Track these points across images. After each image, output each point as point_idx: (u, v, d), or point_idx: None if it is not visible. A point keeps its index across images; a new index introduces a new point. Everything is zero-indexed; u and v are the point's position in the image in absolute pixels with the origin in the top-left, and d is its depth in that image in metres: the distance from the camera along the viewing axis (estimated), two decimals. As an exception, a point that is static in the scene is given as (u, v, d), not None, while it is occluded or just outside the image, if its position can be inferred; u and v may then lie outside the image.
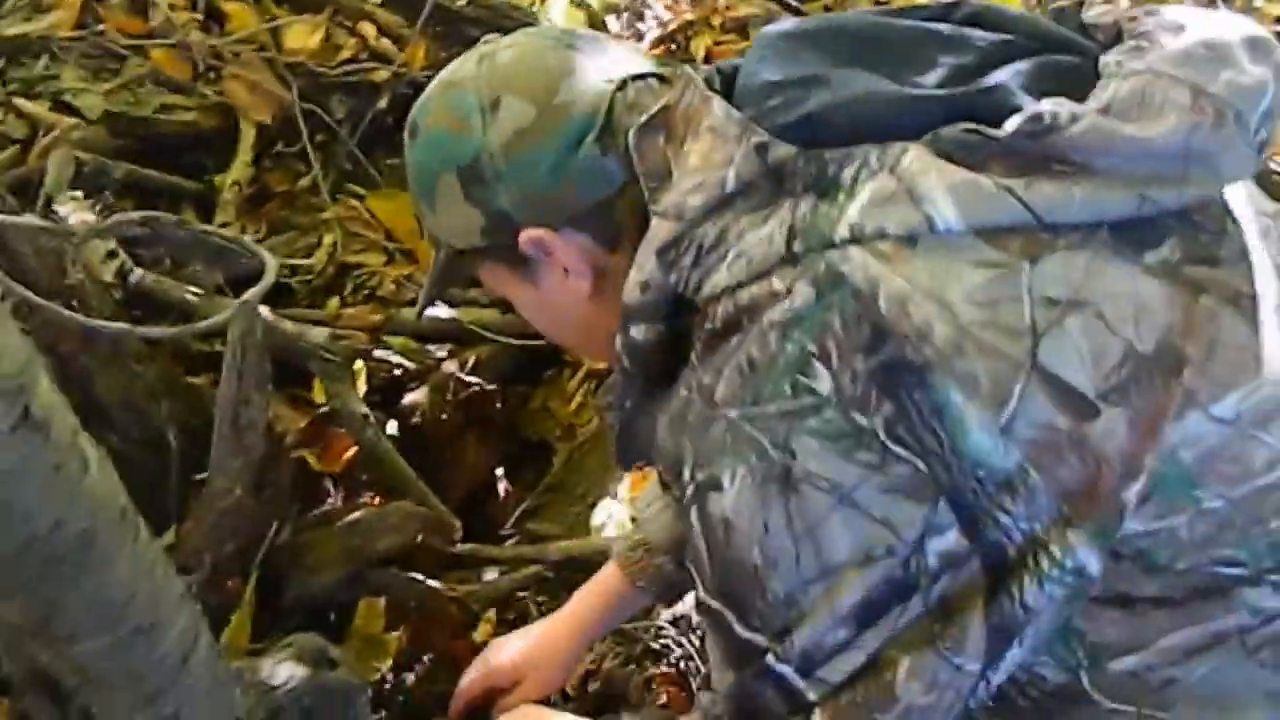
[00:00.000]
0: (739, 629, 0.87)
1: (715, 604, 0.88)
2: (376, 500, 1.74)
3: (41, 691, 1.33)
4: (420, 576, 1.63)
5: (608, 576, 1.34)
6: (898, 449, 0.79)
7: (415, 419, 1.85)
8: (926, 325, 0.79)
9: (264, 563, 1.54)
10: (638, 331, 0.91)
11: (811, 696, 0.86)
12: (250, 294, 1.44)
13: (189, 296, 1.74)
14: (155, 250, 1.74)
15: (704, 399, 0.85)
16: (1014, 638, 0.83)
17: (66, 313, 1.13)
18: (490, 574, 1.73)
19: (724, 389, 0.84)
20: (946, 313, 0.79)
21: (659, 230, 0.88)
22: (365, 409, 1.72)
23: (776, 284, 0.82)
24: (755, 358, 0.82)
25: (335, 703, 1.25)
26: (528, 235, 0.94)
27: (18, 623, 0.72)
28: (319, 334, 1.73)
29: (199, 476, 1.54)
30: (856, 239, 0.81)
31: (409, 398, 1.88)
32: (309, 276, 2.07)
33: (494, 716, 1.32)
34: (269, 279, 1.30)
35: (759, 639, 0.86)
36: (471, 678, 1.35)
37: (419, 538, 1.62)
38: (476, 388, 1.88)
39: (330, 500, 1.75)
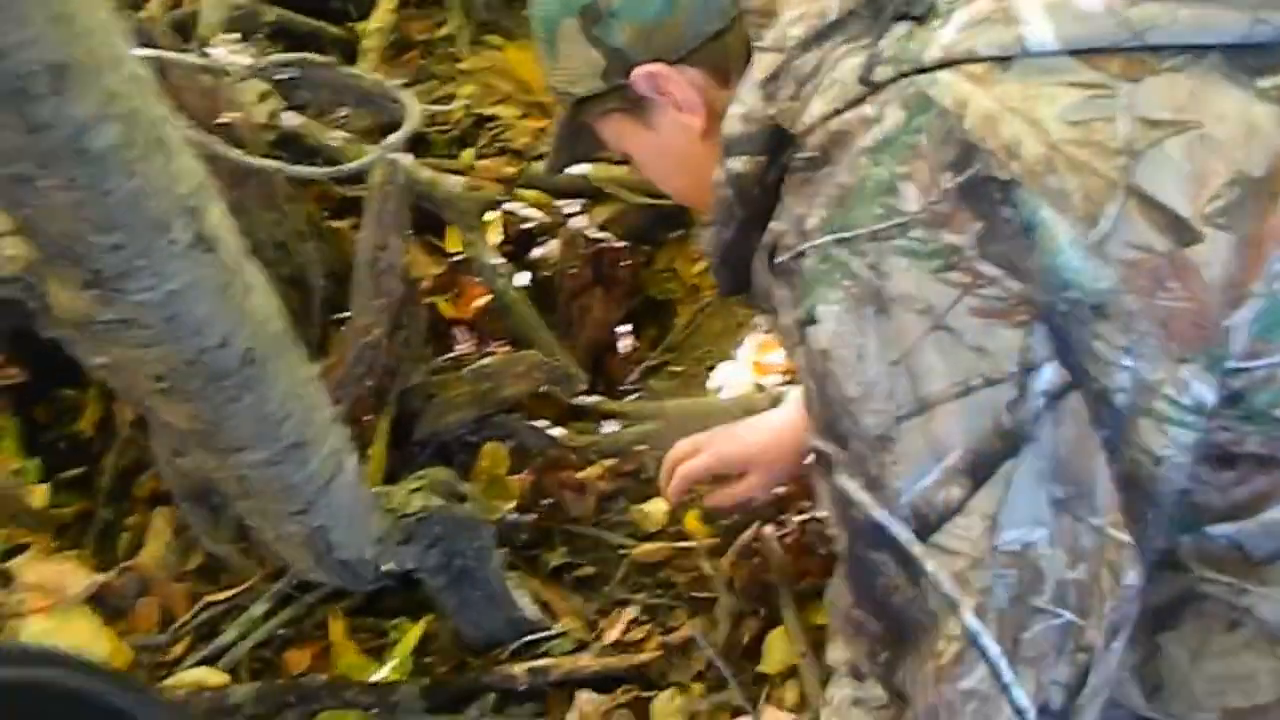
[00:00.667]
0: (843, 480, 0.81)
1: (819, 444, 0.84)
2: (504, 349, 1.79)
3: (198, 502, 1.44)
4: (543, 424, 1.68)
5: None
6: (989, 268, 0.78)
7: (545, 271, 1.88)
8: (1015, 142, 0.77)
9: (397, 401, 1.62)
10: (736, 163, 0.91)
11: (949, 589, 0.77)
12: (393, 138, 1.48)
13: (334, 141, 1.78)
14: (303, 95, 1.77)
15: (796, 230, 0.84)
16: (1151, 494, 0.80)
17: (224, 148, 1.17)
18: (609, 427, 1.77)
19: (815, 218, 0.83)
20: (1037, 130, 0.78)
21: (761, 62, 0.89)
22: (498, 258, 1.75)
23: (868, 110, 0.81)
24: (845, 183, 0.81)
25: (463, 533, 1.32)
26: (643, 70, 0.95)
27: (190, 430, 0.78)
28: (455, 183, 1.75)
29: (339, 316, 1.60)
30: (948, 62, 0.79)
31: (539, 250, 1.90)
32: (445, 126, 2.09)
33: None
34: (413, 123, 1.32)
35: (862, 493, 0.80)
36: (697, 464, 1.33)
37: (543, 387, 1.67)
38: (605, 244, 1.89)
39: (460, 347, 1.81)
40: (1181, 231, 0.77)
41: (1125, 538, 0.79)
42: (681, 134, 0.99)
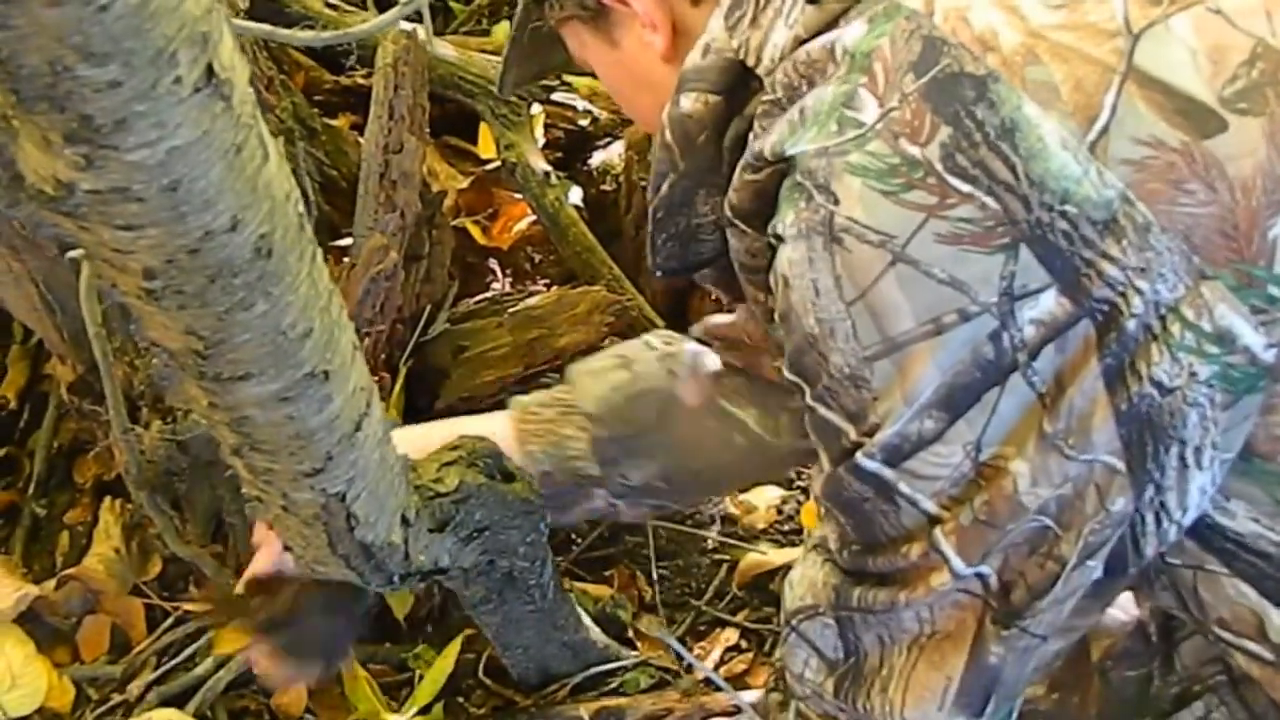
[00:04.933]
0: (819, 409, 0.94)
1: (791, 376, 0.96)
2: (551, 289, 1.82)
3: (159, 491, 1.49)
4: (608, 386, 1.71)
5: (492, 430, 1.39)
6: (958, 182, 0.84)
7: (605, 186, 1.90)
8: (990, 32, 0.84)
9: (416, 355, 1.65)
10: (687, 100, 1.02)
11: (927, 505, 0.92)
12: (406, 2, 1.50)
13: (326, 9, 1.81)
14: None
15: (753, 156, 0.94)
16: (1161, 433, 0.86)
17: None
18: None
19: (772, 139, 0.92)
20: (1015, 17, 0.85)
21: None
22: (545, 165, 1.77)
23: (835, 35, 0.91)
24: (806, 105, 0.91)
25: (513, 523, 1.33)
26: None
27: (185, 350, 0.81)
28: (487, 65, 1.77)
29: (338, 243, 1.64)
30: None
31: (598, 157, 1.93)
32: (470, -8, 2.12)
33: None
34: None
35: (838, 420, 0.93)
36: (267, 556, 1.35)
37: (608, 337, 1.69)
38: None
39: (495, 285, 1.84)
40: (1200, 119, 0.83)
41: (1119, 464, 0.88)
42: (645, 52, 1.10)
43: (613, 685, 1.54)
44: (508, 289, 1.82)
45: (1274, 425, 0.90)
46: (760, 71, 0.97)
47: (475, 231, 1.81)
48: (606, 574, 1.68)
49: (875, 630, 1.02)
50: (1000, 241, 0.84)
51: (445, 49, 1.78)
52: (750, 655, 1.61)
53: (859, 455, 0.93)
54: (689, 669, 1.56)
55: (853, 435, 0.93)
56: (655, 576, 1.68)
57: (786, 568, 1.63)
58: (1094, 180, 0.83)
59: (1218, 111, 0.83)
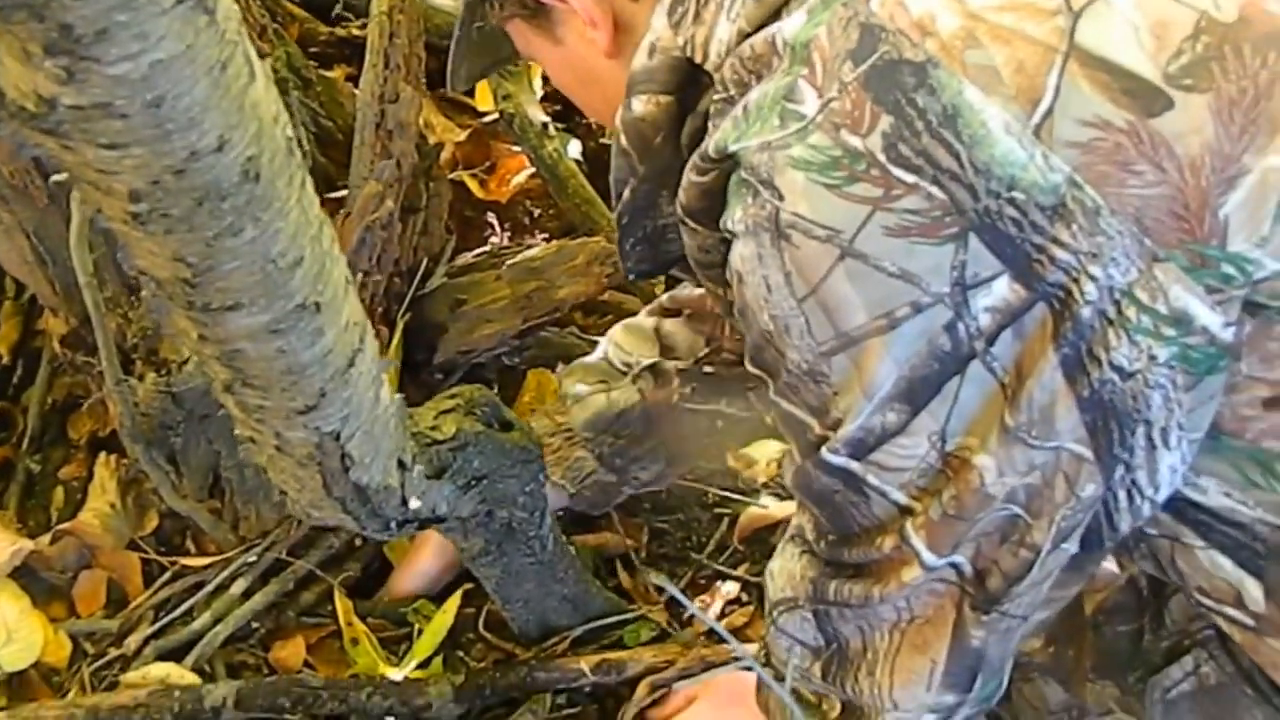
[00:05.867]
0: (783, 404, 0.96)
1: (753, 369, 0.98)
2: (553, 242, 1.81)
3: (155, 445, 1.48)
4: (607, 340, 1.70)
5: None
6: (902, 173, 0.84)
7: (605, 138, 1.89)
8: (928, 17, 0.84)
9: (413, 310, 1.64)
10: (639, 103, 1.03)
11: (896, 495, 0.94)
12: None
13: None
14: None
15: (699, 156, 0.95)
16: (1125, 417, 0.86)
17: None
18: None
19: (715, 138, 0.92)
20: (952, 1, 0.84)
21: None
22: (545, 116, 1.76)
23: (776, 27, 0.91)
24: (749, 101, 0.91)
25: (512, 471, 1.33)
26: None
27: (173, 279, 0.80)
28: (485, 13, 1.75)
29: (333, 195, 1.63)
30: None
31: (598, 109, 1.92)
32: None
33: None
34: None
35: (802, 414, 0.95)
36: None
37: (607, 289, 1.69)
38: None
39: (492, 239, 1.84)
40: (1145, 98, 0.82)
41: (1086, 452, 0.89)
42: (588, 49, 1.11)
43: (613, 638, 1.54)
44: (505, 243, 1.81)
45: (1239, 404, 0.90)
46: (709, 68, 0.97)
47: (473, 185, 1.80)
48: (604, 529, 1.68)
49: (854, 622, 1.04)
50: (949, 231, 0.84)
51: (441, -2, 1.77)
52: (751, 609, 1.61)
53: (824, 450, 0.95)
54: (689, 621, 1.56)
55: (817, 429, 0.95)
56: (654, 530, 1.68)
57: (785, 521, 1.64)
58: (1040, 165, 0.82)
59: (1163, 89, 0.82)
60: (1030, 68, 0.83)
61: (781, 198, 0.87)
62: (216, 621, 1.53)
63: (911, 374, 0.88)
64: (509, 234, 1.84)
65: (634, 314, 1.73)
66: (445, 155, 1.74)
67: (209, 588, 1.56)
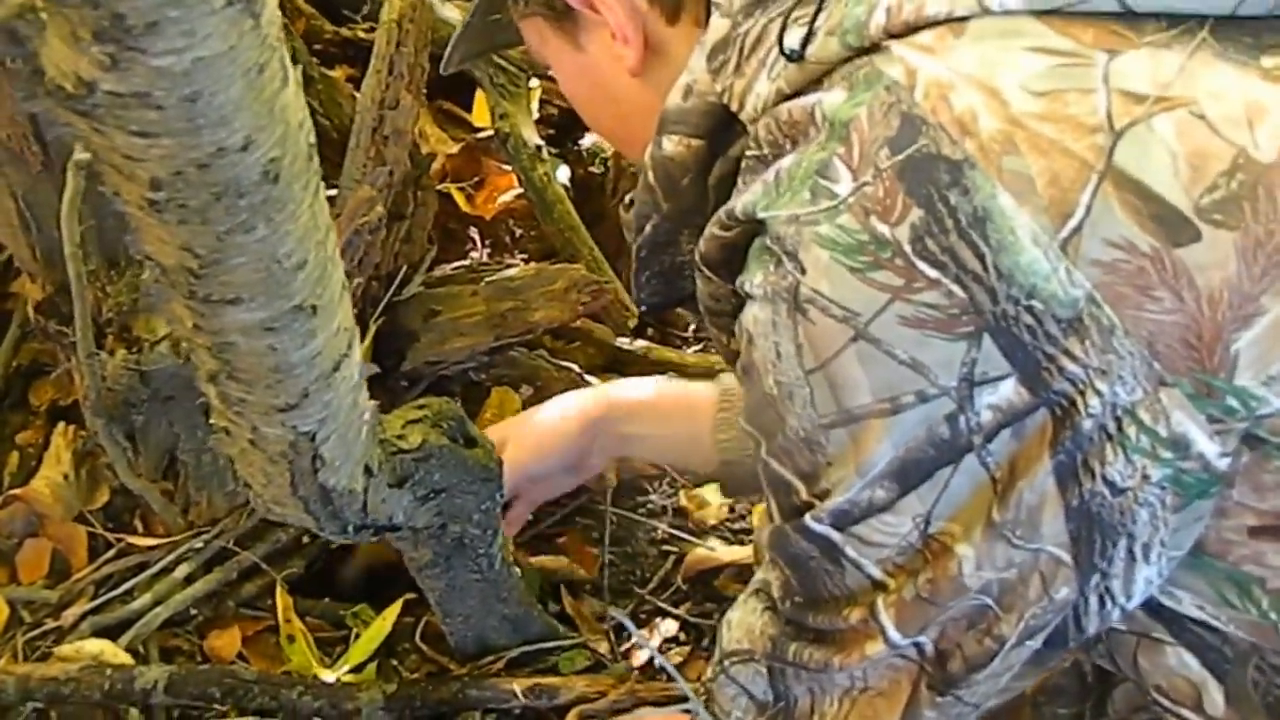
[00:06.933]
0: (773, 464, 0.96)
1: (748, 428, 0.99)
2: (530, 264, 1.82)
3: (116, 420, 1.48)
4: (575, 367, 1.73)
5: (697, 399, 1.47)
6: (926, 267, 0.85)
7: (594, 168, 1.91)
8: (970, 115, 0.84)
9: (386, 315, 1.65)
10: (669, 143, 1.04)
11: (871, 570, 0.94)
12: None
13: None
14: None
15: (725, 213, 0.96)
16: (1110, 530, 0.88)
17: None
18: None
19: (745, 199, 0.93)
20: (994, 102, 0.85)
21: (714, 28, 1.00)
22: (539, 139, 1.78)
23: (816, 98, 0.91)
24: (782, 168, 0.91)
25: (471, 488, 1.35)
26: None
27: (178, 267, 0.81)
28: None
29: (325, 194, 1.64)
30: (895, 32, 0.88)
31: (589, 138, 1.94)
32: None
33: None
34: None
35: (790, 477, 0.95)
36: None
37: (581, 317, 1.70)
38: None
39: (473, 254, 1.85)
40: (1174, 227, 0.83)
41: (1065, 556, 0.90)
42: (611, 63, 1.10)
43: (549, 664, 1.55)
44: (485, 259, 1.82)
45: (1225, 528, 0.91)
46: (744, 118, 0.98)
47: (459, 198, 1.81)
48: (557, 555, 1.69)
49: (806, 683, 1.04)
50: (964, 330, 0.85)
51: (450, 12, 1.78)
52: (688, 649, 1.62)
53: (808, 517, 0.95)
54: (627, 655, 1.57)
55: (804, 494, 0.95)
56: (605, 561, 1.69)
57: (731, 566, 1.66)
58: (1062, 279, 0.83)
59: (1193, 220, 0.83)
60: (1065, 182, 0.83)
61: (804, 271, 0.88)
62: (156, 604, 1.53)
63: (906, 455, 0.89)
64: (489, 250, 1.85)
65: (605, 342, 1.77)
66: (435, 166, 1.76)
67: (153, 569, 1.55)
